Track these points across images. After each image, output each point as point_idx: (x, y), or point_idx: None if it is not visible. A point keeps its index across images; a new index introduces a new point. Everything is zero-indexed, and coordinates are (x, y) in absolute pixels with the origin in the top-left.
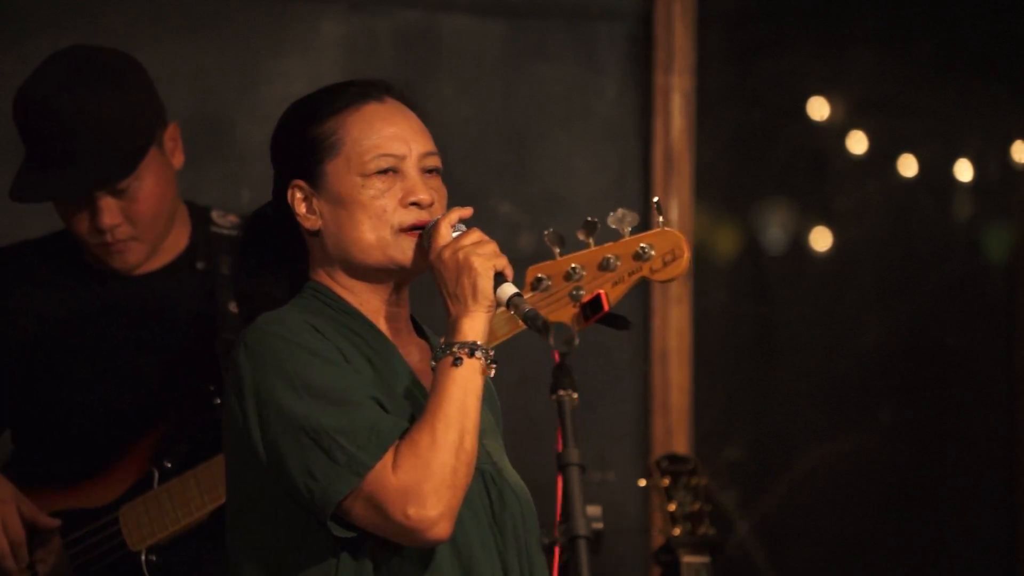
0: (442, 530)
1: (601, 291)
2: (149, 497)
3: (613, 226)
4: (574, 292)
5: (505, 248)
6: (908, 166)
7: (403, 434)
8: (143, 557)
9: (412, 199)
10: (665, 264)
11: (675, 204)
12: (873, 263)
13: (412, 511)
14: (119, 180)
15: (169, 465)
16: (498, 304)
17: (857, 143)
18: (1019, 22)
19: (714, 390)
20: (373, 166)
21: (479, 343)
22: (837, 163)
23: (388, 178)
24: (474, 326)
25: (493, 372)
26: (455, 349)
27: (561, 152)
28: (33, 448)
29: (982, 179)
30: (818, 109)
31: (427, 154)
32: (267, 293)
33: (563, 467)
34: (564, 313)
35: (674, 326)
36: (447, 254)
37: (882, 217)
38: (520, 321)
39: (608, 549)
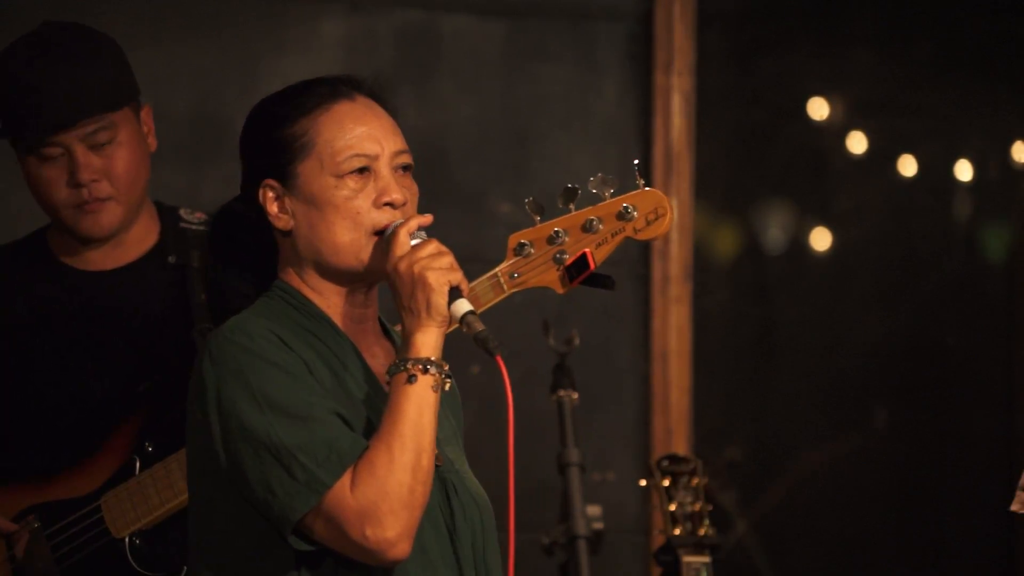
0: (400, 551)
1: (587, 250)
2: (131, 484)
3: (594, 190)
4: (557, 255)
5: (505, 248)
6: (908, 166)
7: (363, 452)
8: (127, 543)
9: (386, 199)
10: (648, 223)
11: (675, 204)
12: (873, 263)
13: (370, 532)
14: (95, 112)
15: (151, 450)
16: (451, 320)
17: (857, 143)
18: (1019, 22)
19: (714, 390)
20: (346, 166)
21: (433, 359)
22: (837, 163)
23: (361, 178)
24: (427, 341)
25: (448, 387)
26: (409, 366)
27: (561, 152)
28: (8, 443)
29: (982, 179)
30: (818, 109)
31: (399, 152)
32: (235, 288)
33: (563, 467)
34: (547, 277)
35: (674, 326)
36: (403, 266)
37: (882, 217)
38: (501, 294)
39: (608, 549)
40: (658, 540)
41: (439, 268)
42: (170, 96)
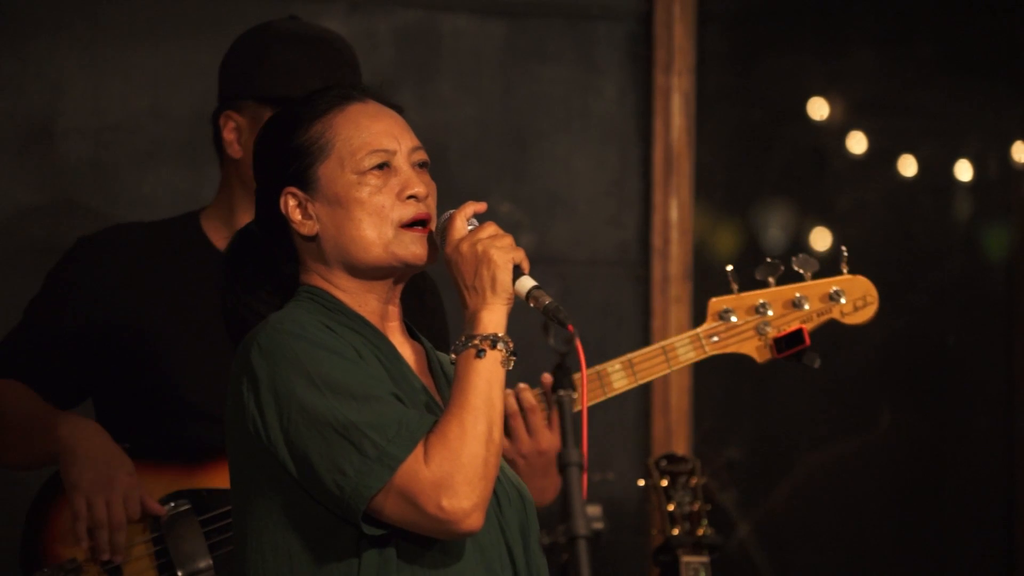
0: (475, 521)
1: (803, 326)
2: None
3: (797, 269)
4: (761, 326)
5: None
6: (908, 166)
7: (430, 427)
8: None
9: (409, 192)
10: (856, 309)
11: (675, 204)
12: (873, 263)
13: (446, 503)
14: None
15: None
16: (516, 297)
17: (857, 143)
18: (1019, 22)
19: (714, 390)
20: (367, 163)
21: (500, 335)
22: (837, 163)
23: (382, 174)
24: (494, 318)
25: (512, 364)
26: (477, 341)
27: (561, 152)
28: (158, 423)
29: (982, 179)
30: (818, 109)
31: (415, 148)
32: (255, 310)
33: (563, 467)
34: (748, 345)
35: (674, 326)
36: (465, 247)
37: (882, 217)
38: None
39: (608, 549)
40: (657, 540)
41: (502, 247)
42: (170, 96)
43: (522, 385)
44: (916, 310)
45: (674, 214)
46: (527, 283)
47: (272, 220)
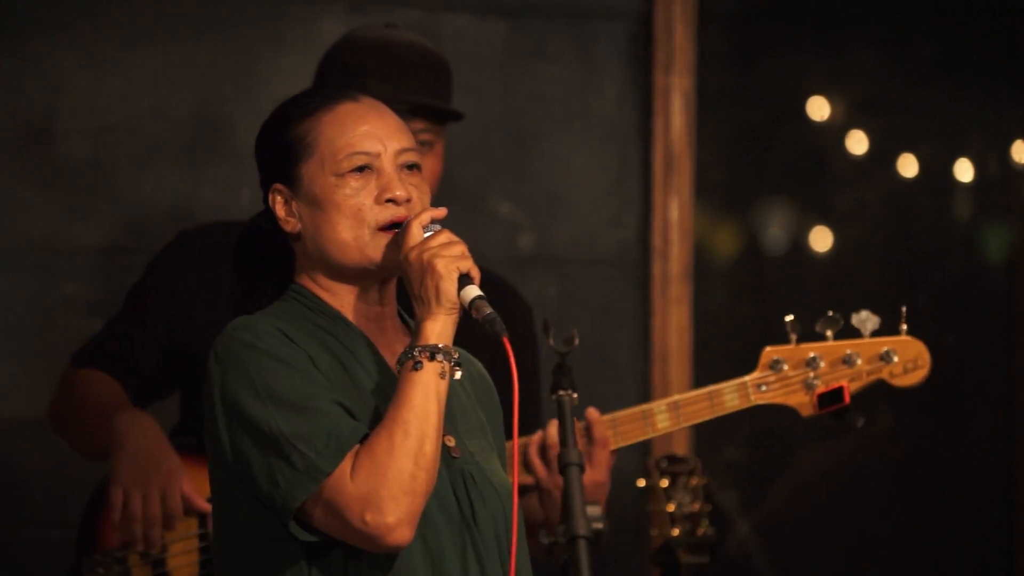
0: (400, 536)
1: (845, 384)
2: None
3: (855, 326)
4: (810, 380)
5: (505, 248)
6: (908, 166)
7: (364, 439)
8: None
9: (387, 196)
10: (906, 371)
11: (675, 204)
12: (873, 263)
13: (369, 517)
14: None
15: None
16: (462, 307)
17: (857, 143)
18: (1019, 22)
19: None
20: (346, 165)
21: (441, 346)
22: (837, 163)
23: (363, 176)
24: (436, 328)
25: (458, 375)
26: (415, 353)
27: (561, 152)
28: None
29: (982, 179)
30: (818, 109)
31: (404, 150)
32: (262, 304)
33: (563, 467)
34: (795, 398)
35: (674, 326)
36: (413, 255)
37: (882, 217)
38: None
39: (608, 549)
40: (657, 540)
41: (449, 256)
42: (170, 96)
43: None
44: (916, 310)
45: (674, 214)
46: (471, 293)
47: (271, 216)
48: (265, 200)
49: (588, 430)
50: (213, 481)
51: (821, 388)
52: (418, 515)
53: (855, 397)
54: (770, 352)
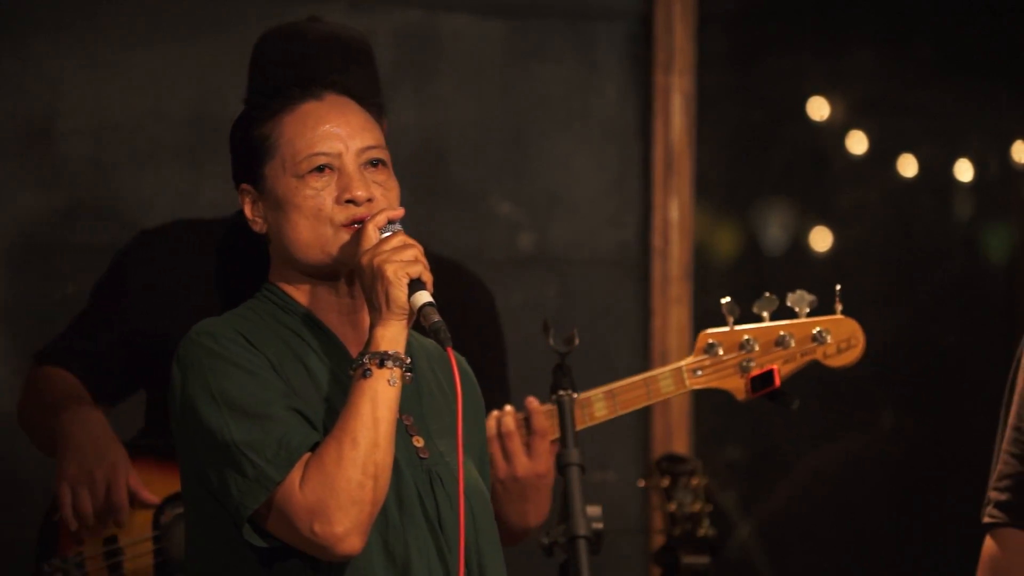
0: (350, 545)
1: (775, 366)
2: None
3: (791, 305)
4: (744, 363)
5: (505, 248)
6: (908, 166)
7: (315, 447)
8: None
9: (347, 196)
10: (839, 351)
11: (675, 204)
12: (873, 263)
13: (318, 528)
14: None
15: None
16: (411, 313)
17: (857, 143)
18: (1019, 22)
19: (714, 390)
20: (305, 166)
21: (391, 352)
22: (837, 163)
23: (324, 176)
24: (386, 335)
25: (410, 380)
26: (365, 360)
27: (561, 152)
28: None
29: (982, 179)
30: (818, 109)
31: (367, 148)
32: (245, 299)
33: (563, 467)
34: (730, 382)
35: (674, 326)
36: (365, 260)
37: (882, 217)
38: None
39: (608, 549)
40: (658, 540)
41: (399, 261)
42: (170, 96)
43: (508, 408)
44: (916, 310)
45: (674, 214)
46: (421, 299)
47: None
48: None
49: (528, 420)
50: (183, 483)
51: (754, 371)
52: (368, 523)
53: (788, 379)
54: (705, 336)
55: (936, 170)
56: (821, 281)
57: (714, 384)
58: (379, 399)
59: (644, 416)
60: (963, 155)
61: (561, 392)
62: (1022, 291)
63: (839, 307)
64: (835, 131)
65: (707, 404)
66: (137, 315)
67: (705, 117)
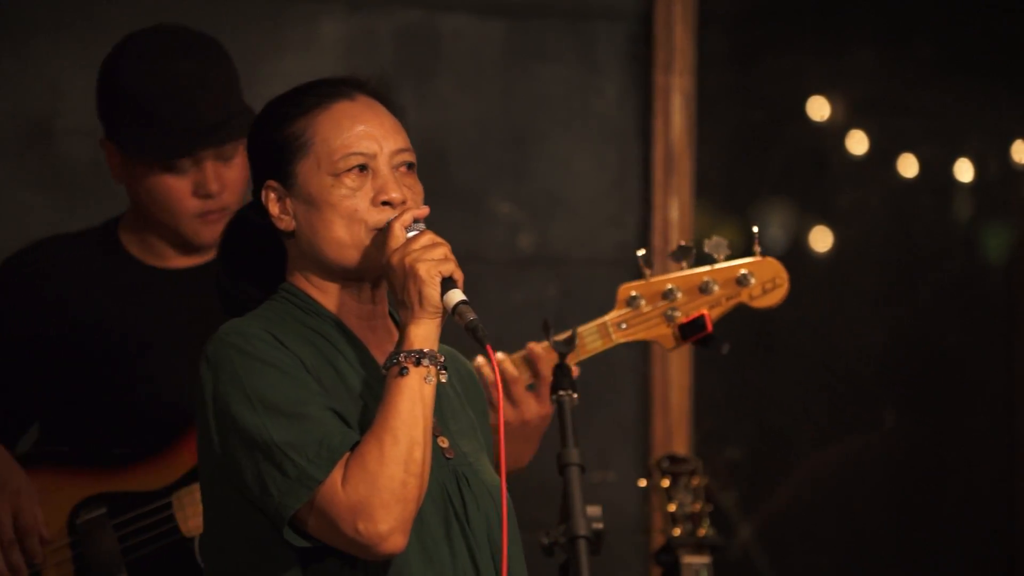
0: (393, 544)
1: (705, 312)
2: None
3: (708, 252)
4: (669, 312)
5: (505, 248)
6: (908, 166)
7: (355, 446)
8: (196, 543)
9: (383, 198)
10: (765, 292)
11: (675, 204)
12: (873, 263)
13: (362, 526)
14: (242, 134)
15: None
16: (445, 311)
17: (857, 143)
18: (1019, 22)
19: (714, 390)
20: (343, 165)
21: (426, 351)
22: (837, 163)
23: (359, 177)
24: (420, 333)
25: (444, 378)
26: (401, 358)
27: (561, 152)
28: (82, 429)
29: (982, 179)
30: (818, 109)
31: (399, 151)
32: (249, 293)
33: (563, 467)
34: (656, 332)
35: None
36: (395, 259)
37: (882, 217)
38: (612, 336)
39: (608, 549)
40: (658, 540)
41: (431, 259)
42: None
43: (501, 355)
44: (916, 310)
45: (674, 214)
46: (455, 297)
47: (261, 209)
48: (256, 194)
49: (532, 365)
50: (205, 486)
51: (682, 319)
52: (410, 522)
53: (717, 323)
54: (626, 288)
55: (936, 170)
56: (821, 281)
57: (641, 336)
58: (417, 397)
59: (644, 416)
60: (963, 155)
61: (561, 392)
62: (1022, 291)
63: (758, 249)
64: (835, 131)
65: (707, 404)
66: (15, 348)
67: (705, 117)
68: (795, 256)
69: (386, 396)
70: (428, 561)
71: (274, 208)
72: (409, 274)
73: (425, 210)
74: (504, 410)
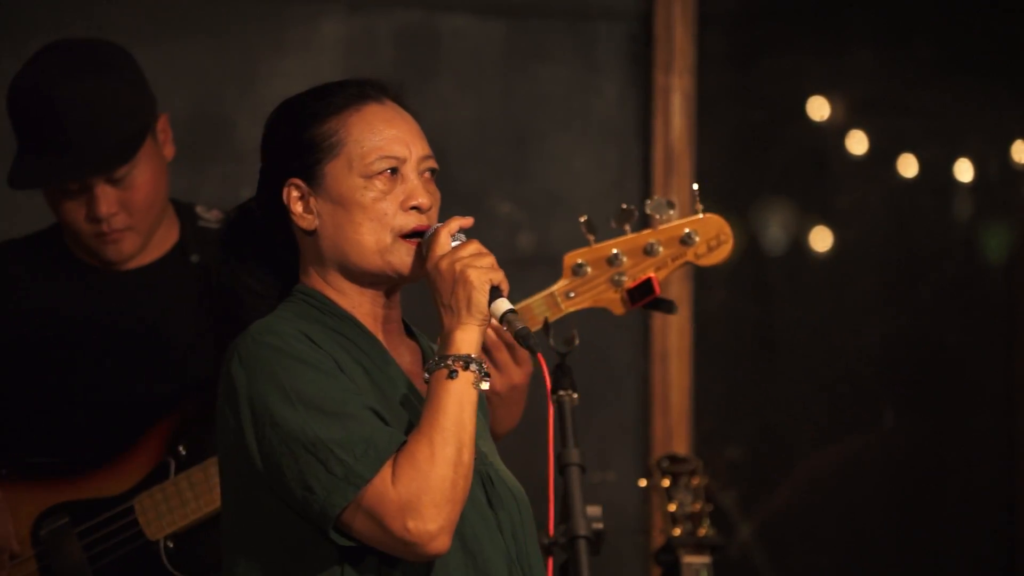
0: (441, 544)
1: (652, 275)
2: (168, 487)
3: (650, 213)
4: (616, 277)
5: (505, 248)
6: (908, 166)
7: (400, 446)
8: (162, 545)
9: (413, 203)
10: (710, 249)
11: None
12: (873, 263)
13: (412, 525)
14: (119, 166)
15: (184, 452)
16: (491, 318)
17: (857, 143)
18: (1019, 22)
19: (714, 390)
20: (375, 167)
21: (473, 356)
22: (837, 163)
23: (389, 180)
24: (467, 338)
25: (487, 386)
26: (450, 362)
27: (561, 152)
28: (37, 439)
29: (982, 179)
30: (818, 109)
31: (426, 157)
32: (249, 287)
33: (563, 467)
34: (605, 297)
35: (674, 326)
36: (444, 264)
37: (882, 217)
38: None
39: (608, 549)
40: (658, 540)
41: (481, 267)
42: (170, 96)
43: None
44: (916, 310)
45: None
46: (503, 306)
47: (273, 205)
48: (271, 191)
49: (495, 336)
50: (229, 487)
51: (629, 283)
52: (455, 523)
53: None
54: (572, 256)
55: (936, 170)
56: (821, 281)
57: (589, 303)
58: (464, 400)
59: (644, 416)
60: (963, 155)
61: (561, 392)
62: (1022, 291)
63: (699, 206)
64: (835, 131)
65: (707, 404)
66: None
67: (705, 117)
68: (795, 256)
69: (433, 397)
70: (471, 561)
71: (297, 207)
72: (459, 279)
73: (470, 220)
74: (492, 377)
